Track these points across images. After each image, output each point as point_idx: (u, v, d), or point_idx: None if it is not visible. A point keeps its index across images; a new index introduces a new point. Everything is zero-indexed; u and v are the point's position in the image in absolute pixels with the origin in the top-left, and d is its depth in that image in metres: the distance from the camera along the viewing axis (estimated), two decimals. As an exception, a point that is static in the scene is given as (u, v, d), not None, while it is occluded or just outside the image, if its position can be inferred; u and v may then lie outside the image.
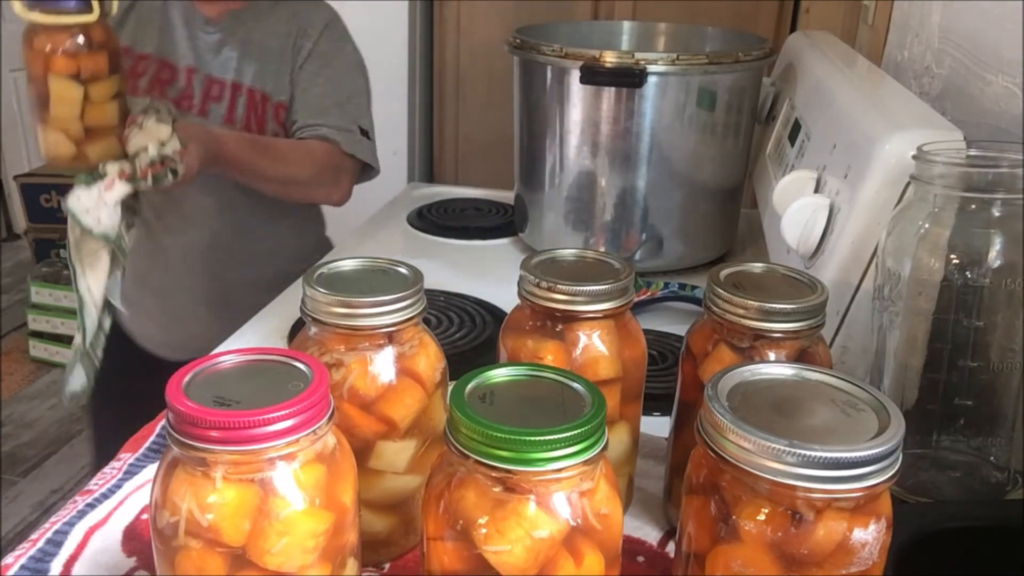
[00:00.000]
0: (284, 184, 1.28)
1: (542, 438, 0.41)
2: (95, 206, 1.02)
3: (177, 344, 1.36)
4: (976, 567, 0.54)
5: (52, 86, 0.95)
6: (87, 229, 1.02)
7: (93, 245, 1.05)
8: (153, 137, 1.03)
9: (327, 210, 1.43)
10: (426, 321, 0.60)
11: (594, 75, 1.03)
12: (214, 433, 0.42)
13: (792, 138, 1.01)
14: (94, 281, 1.08)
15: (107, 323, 1.12)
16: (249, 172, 1.22)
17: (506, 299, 0.73)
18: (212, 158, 1.10)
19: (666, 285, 1.06)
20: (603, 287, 0.59)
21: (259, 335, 0.98)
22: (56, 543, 0.62)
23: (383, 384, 0.57)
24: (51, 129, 0.98)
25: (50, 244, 3.24)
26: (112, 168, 1.01)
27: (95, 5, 0.95)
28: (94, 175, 1.01)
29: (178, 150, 1.03)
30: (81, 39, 0.95)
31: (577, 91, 1.06)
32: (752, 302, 0.56)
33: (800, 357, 0.58)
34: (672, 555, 0.60)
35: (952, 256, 0.61)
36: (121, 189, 1.02)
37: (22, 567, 0.60)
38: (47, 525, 0.64)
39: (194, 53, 1.27)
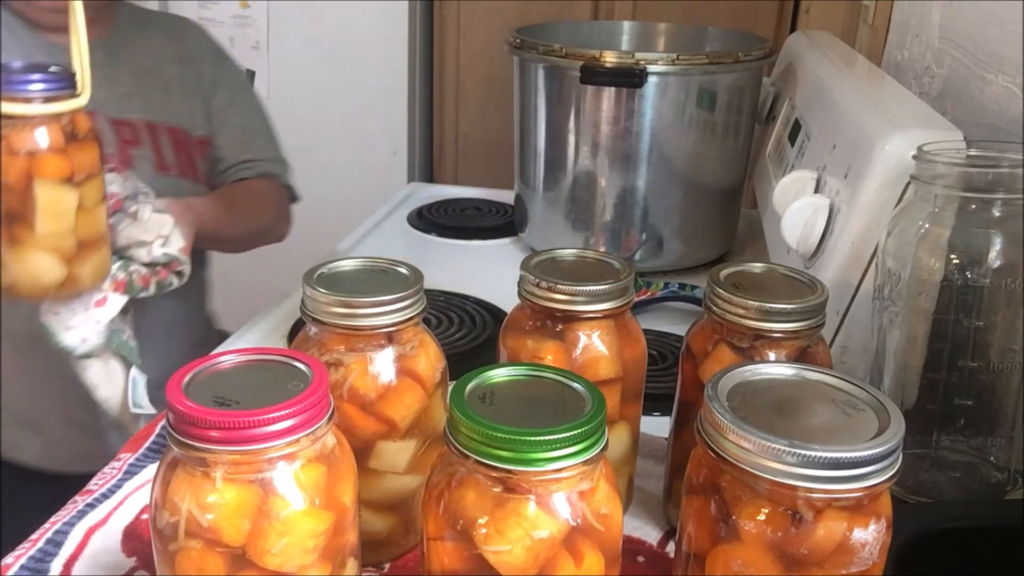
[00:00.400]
0: (251, 237, 1.19)
1: (542, 438, 0.40)
2: (81, 324, 0.79)
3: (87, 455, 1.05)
4: (976, 567, 0.54)
5: (40, 196, 0.71)
6: (68, 349, 0.80)
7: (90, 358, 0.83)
8: (153, 232, 0.81)
9: (327, 217, 1.40)
10: (426, 321, 0.60)
11: (594, 75, 1.03)
12: (214, 433, 0.42)
13: (792, 138, 1.01)
14: (111, 390, 0.85)
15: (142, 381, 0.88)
16: (223, 239, 1.09)
17: (506, 299, 0.73)
18: (194, 237, 0.91)
19: (666, 285, 1.06)
20: (603, 287, 0.59)
21: (259, 335, 0.98)
22: (56, 543, 0.62)
23: (383, 384, 0.57)
24: (36, 251, 0.72)
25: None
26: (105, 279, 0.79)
27: (84, 82, 0.73)
28: None
29: (183, 247, 0.83)
30: (69, 129, 0.72)
31: (577, 91, 1.06)
32: (752, 302, 0.56)
33: (800, 357, 0.58)
34: (672, 555, 0.60)
35: (952, 256, 0.61)
36: (116, 303, 0.80)
37: (22, 567, 0.60)
38: (47, 525, 0.64)
39: None
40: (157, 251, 0.81)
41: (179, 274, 0.83)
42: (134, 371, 0.85)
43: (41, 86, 0.71)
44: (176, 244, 0.82)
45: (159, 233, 0.82)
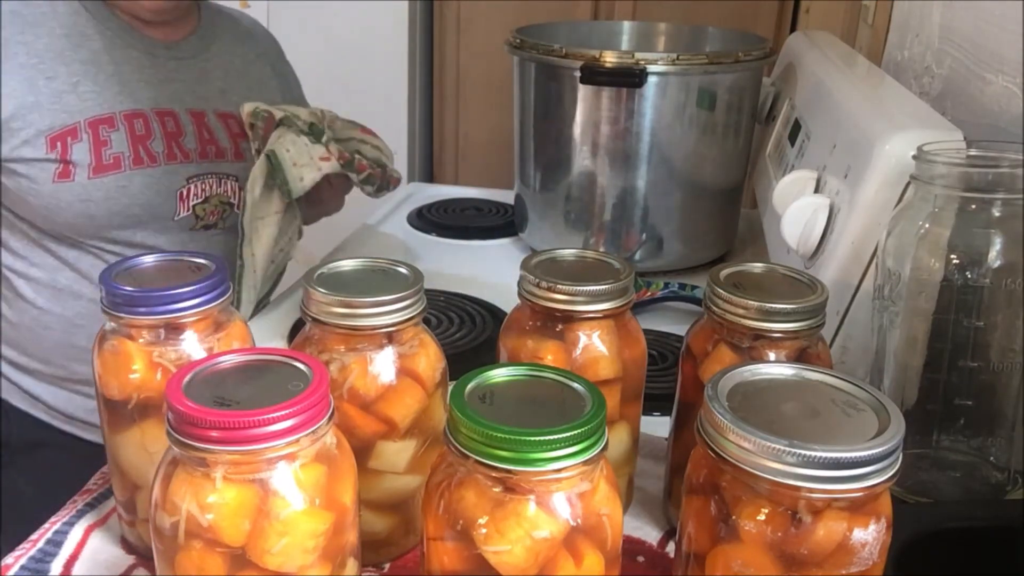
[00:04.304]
0: (325, 213, 1.26)
1: (542, 438, 0.40)
2: (307, 164, 0.98)
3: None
4: (976, 567, 0.54)
5: None
6: (284, 182, 0.98)
7: (269, 208, 1.00)
8: (383, 152, 1.08)
9: (328, 217, 1.40)
10: (426, 321, 0.60)
11: (594, 75, 1.03)
12: (214, 433, 0.42)
13: (792, 138, 1.01)
14: (259, 248, 1.03)
15: (267, 287, 1.08)
16: (327, 208, 1.21)
17: (506, 299, 0.73)
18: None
19: (666, 285, 1.06)
20: (603, 287, 0.59)
21: (259, 335, 0.98)
22: (56, 543, 0.62)
23: (383, 384, 0.57)
24: None
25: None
26: (334, 145, 1.00)
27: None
28: (314, 131, 0.99)
29: (397, 178, 1.06)
30: None
31: (577, 91, 1.06)
32: (752, 302, 0.56)
33: (800, 357, 0.58)
34: (672, 555, 0.60)
35: (952, 256, 0.61)
36: (332, 167, 1.00)
37: (22, 567, 0.60)
38: (47, 525, 0.64)
39: (177, 92, 1.10)
40: (386, 151, 1.08)
41: (381, 187, 1.05)
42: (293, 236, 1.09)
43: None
44: (392, 172, 1.06)
45: (387, 153, 1.09)
